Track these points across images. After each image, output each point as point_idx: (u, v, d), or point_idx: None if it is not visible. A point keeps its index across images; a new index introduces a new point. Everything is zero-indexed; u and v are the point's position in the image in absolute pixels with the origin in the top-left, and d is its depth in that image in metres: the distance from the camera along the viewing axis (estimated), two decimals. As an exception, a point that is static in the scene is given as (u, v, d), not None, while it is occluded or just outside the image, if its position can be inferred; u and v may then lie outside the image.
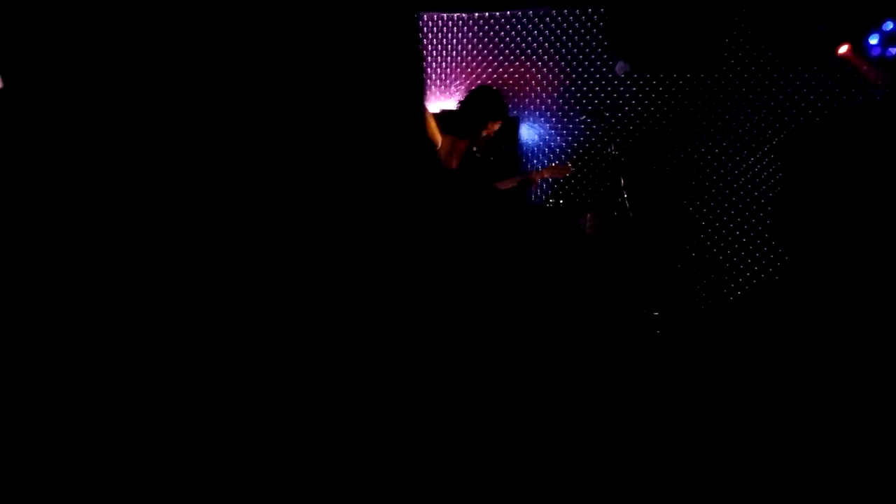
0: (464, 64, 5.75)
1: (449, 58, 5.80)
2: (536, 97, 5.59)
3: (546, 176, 4.91)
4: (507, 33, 5.60)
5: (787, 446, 1.19)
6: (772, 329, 1.30)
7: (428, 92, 5.86)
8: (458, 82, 5.80)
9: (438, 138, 3.25)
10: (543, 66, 5.53)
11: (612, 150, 5.16)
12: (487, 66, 5.69)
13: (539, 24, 5.49)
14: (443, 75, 5.84)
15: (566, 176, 5.35)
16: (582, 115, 5.40)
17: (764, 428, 1.23)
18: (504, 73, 5.65)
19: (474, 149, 4.29)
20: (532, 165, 5.61)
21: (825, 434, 1.16)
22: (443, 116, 4.43)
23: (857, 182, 1.27)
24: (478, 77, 5.70)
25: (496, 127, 4.17)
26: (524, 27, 5.54)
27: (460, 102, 4.33)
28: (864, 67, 4.48)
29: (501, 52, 5.64)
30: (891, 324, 1.19)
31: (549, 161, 5.61)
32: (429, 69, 5.82)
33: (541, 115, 5.60)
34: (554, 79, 5.51)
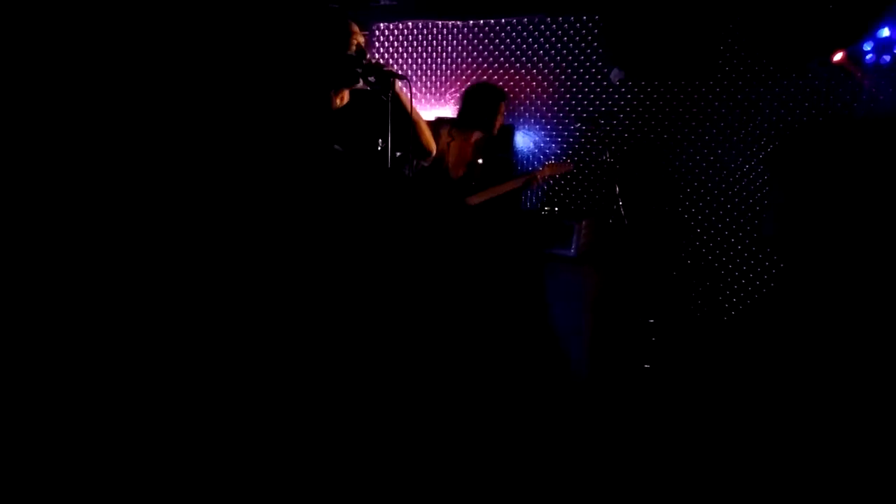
0: (458, 71, 5.74)
1: (444, 65, 5.79)
2: (532, 105, 5.58)
3: (547, 174, 4.88)
4: (503, 41, 5.59)
5: (782, 450, 1.18)
6: (767, 336, 1.29)
7: (423, 99, 5.83)
8: (453, 90, 5.79)
9: (433, 146, 3.23)
10: (539, 73, 5.53)
11: (607, 158, 5.15)
12: (483, 74, 5.69)
13: (534, 31, 5.48)
14: (437, 83, 5.83)
15: (567, 173, 5.36)
16: (577, 123, 5.39)
17: (759, 433, 1.21)
18: (499, 80, 5.64)
19: (479, 161, 4.45)
20: (554, 181, 5.60)
21: (820, 438, 1.15)
22: (451, 121, 4.54)
23: (851, 189, 1.26)
24: (473, 84, 5.69)
25: (504, 109, 4.49)
26: (519, 34, 5.54)
27: (464, 102, 4.52)
28: (859, 75, 4.48)
29: (497, 60, 5.63)
30: (887, 328, 1.18)
31: (541, 166, 5.60)
32: (424, 77, 5.81)
33: (536, 123, 5.59)
34: (549, 86, 5.51)
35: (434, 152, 3.24)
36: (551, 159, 5.57)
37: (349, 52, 2.89)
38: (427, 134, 3.15)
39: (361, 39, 2.95)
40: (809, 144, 1.39)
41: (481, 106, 4.48)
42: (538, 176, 4.73)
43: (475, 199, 4.47)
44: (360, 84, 3.00)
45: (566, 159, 5.47)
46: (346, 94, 3.06)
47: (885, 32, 4.20)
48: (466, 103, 4.57)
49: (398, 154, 2.96)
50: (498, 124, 4.50)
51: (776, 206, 1.40)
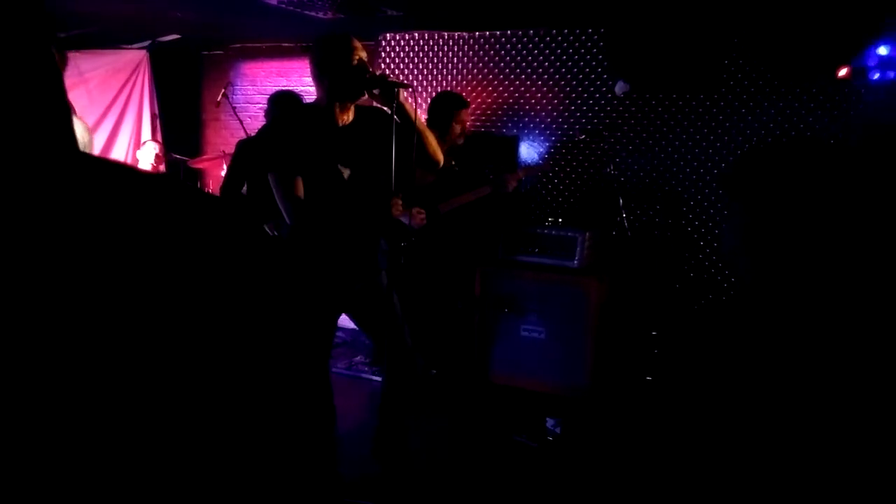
0: (464, 82, 5.77)
1: (450, 76, 5.82)
2: (536, 116, 5.60)
3: (521, 177, 5.06)
4: (508, 52, 5.62)
5: (786, 465, 1.18)
6: (769, 348, 1.29)
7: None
8: (458, 100, 5.81)
9: (440, 157, 3.22)
10: (544, 85, 5.55)
11: (610, 170, 5.17)
12: (488, 85, 5.71)
13: (539, 43, 5.51)
14: (443, 93, 5.85)
15: (540, 173, 5.50)
16: (581, 135, 5.41)
17: (761, 446, 1.21)
18: (504, 91, 5.67)
19: (452, 162, 4.57)
20: (531, 183, 5.62)
21: (822, 452, 1.15)
22: None
23: (819, 206, 1.26)
24: (478, 95, 5.72)
25: (464, 117, 4.74)
26: (525, 46, 5.56)
27: (428, 109, 4.84)
28: (863, 90, 4.50)
29: (502, 71, 5.66)
30: (864, 333, 1.19)
31: (545, 177, 5.62)
32: (430, 87, 5.84)
33: (541, 134, 5.61)
34: (554, 98, 5.53)
35: (441, 163, 3.22)
36: (555, 171, 5.59)
37: (352, 66, 2.91)
38: (433, 144, 3.14)
39: (364, 55, 2.96)
40: (770, 162, 1.38)
41: (437, 112, 4.70)
42: (511, 181, 4.89)
43: (445, 206, 4.62)
44: (365, 97, 3.01)
45: (543, 161, 5.57)
46: (351, 111, 3.07)
47: (883, 50, 4.22)
48: (429, 110, 4.80)
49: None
50: (457, 131, 4.68)
51: (737, 222, 1.40)
